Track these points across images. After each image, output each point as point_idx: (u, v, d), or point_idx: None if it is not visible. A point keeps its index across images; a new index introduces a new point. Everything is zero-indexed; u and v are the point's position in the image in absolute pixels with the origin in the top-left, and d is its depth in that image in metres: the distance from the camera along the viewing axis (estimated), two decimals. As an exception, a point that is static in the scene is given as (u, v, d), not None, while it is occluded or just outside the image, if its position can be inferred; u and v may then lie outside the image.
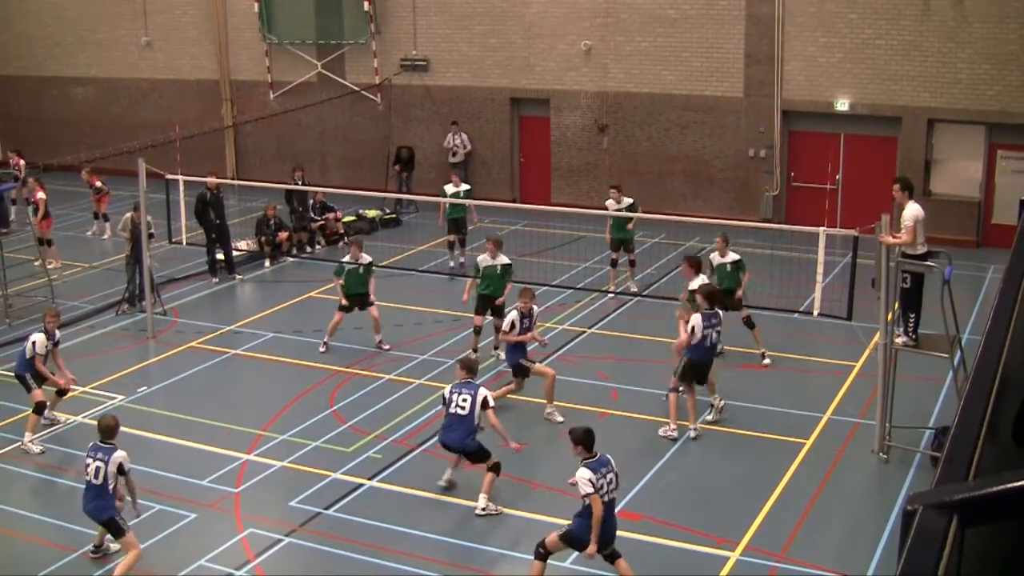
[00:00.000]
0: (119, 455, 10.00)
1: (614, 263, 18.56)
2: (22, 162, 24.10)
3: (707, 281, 13.98)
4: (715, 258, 15.31)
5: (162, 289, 18.27)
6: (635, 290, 18.17)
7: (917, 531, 2.72)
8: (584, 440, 9.32)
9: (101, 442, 10.12)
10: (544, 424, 13.49)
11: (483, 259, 15.55)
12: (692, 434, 12.83)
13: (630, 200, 18.63)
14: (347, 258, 16.32)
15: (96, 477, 9.95)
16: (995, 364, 4.19)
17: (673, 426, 12.85)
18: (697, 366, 12.84)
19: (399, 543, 10.66)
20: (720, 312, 13.07)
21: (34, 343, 13.11)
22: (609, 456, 9.41)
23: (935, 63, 21.12)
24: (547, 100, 24.89)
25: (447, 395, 11.37)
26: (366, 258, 16.25)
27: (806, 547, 10.46)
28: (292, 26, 27.16)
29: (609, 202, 18.37)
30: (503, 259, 15.50)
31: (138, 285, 17.78)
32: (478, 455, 11.35)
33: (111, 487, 9.93)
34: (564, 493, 10.71)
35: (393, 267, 19.23)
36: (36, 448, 12.89)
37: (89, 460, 10.03)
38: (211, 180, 19.58)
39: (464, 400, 11.16)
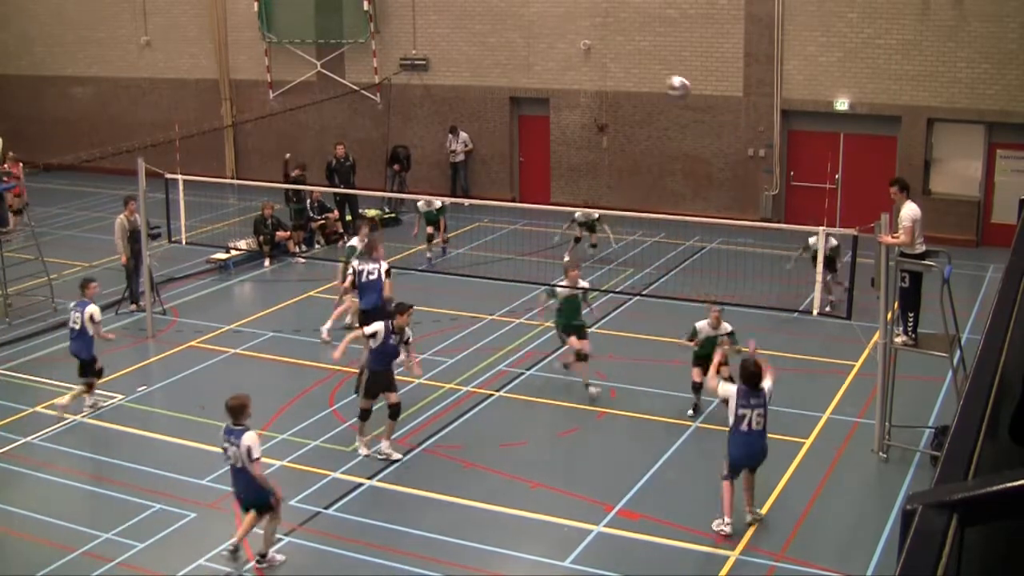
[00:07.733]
0: (249, 437, 9.97)
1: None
2: None
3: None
4: (705, 328, 13.16)
5: (162, 288, 18.27)
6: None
7: (916, 530, 2.72)
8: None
9: (233, 424, 10.12)
10: (542, 425, 13.50)
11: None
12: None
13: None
14: (563, 281, 14.18)
15: (237, 461, 10.05)
16: (995, 363, 4.18)
17: (727, 519, 10.70)
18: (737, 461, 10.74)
19: (399, 542, 10.66)
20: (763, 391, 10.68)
21: None
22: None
23: (935, 62, 21.12)
24: (547, 99, 24.89)
25: None
26: (583, 283, 14.27)
27: (805, 546, 10.47)
28: (292, 25, 27.17)
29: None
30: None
31: (136, 284, 17.78)
32: None
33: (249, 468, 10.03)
34: (564, 492, 10.71)
35: (393, 266, 19.15)
36: None
37: (225, 444, 10.13)
38: (339, 149, 23.18)
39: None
